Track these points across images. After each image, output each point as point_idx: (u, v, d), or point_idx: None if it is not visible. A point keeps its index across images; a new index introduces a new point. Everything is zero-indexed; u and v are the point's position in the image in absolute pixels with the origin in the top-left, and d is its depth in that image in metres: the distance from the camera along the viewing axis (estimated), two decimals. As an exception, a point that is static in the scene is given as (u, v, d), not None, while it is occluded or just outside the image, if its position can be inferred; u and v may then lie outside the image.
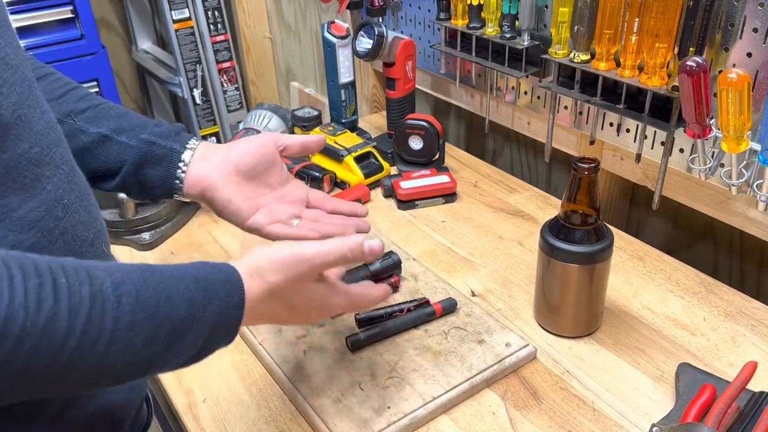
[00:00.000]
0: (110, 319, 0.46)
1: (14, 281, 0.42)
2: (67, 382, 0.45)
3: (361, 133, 1.29)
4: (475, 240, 1.01)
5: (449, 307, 0.83)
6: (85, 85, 1.99)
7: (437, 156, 1.18)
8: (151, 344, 0.48)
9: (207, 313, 0.52)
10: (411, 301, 0.83)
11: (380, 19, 1.28)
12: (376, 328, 0.79)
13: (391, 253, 0.89)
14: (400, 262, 0.88)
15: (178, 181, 0.73)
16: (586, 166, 0.72)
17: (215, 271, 0.55)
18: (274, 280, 0.57)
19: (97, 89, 2.02)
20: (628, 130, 0.98)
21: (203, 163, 0.74)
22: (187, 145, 0.74)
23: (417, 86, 1.30)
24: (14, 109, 0.52)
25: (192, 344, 0.51)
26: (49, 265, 0.44)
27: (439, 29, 1.19)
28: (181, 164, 0.73)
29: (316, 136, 0.78)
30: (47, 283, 0.43)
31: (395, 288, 0.87)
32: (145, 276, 0.50)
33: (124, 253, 1.02)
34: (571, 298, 0.78)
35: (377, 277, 0.87)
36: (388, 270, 0.87)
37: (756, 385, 0.71)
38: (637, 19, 0.84)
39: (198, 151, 0.74)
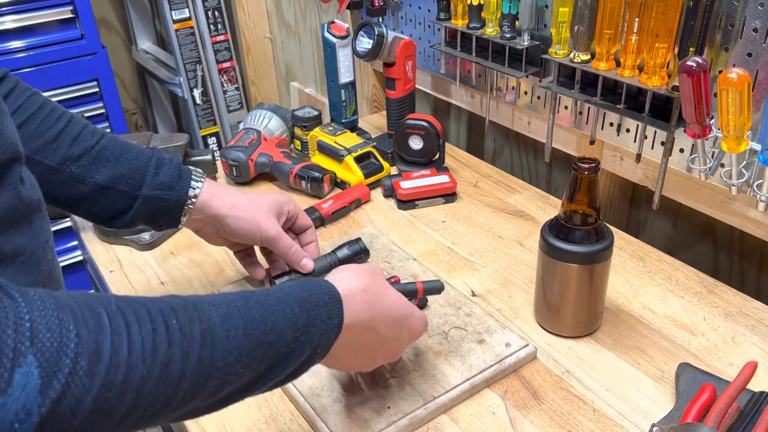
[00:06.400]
0: (220, 356, 0.46)
1: (131, 331, 0.42)
2: (177, 416, 0.47)
3: (361, 133, 1.29)
4: (475, 240, 1.01)
5: (433, 289, 0.79)
6: (84, 85, 2.01)
7: (437, 156, 1.18)
8: (256, 371, 0.50)
9: (309, 336, 0.53)
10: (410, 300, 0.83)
11: (380, 19, 1.28)
12: None
13: (358, 240, 0.92)
14: (366, 248, 0.92)
15: (185, 218, 0.79)
16: (586, 166, 0.72)
17: (317, 291, 0.56)
18: (363, 283, 0.60)
19: (97, 89, 2.02)
20: (628, 130, 0.98)
21: (217, 199, 0.79)
22: (190, 193, 0.78)
23: (417, 86, 1.30)
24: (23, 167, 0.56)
25: (292, 364, 0.53)
26: (159, 308, 0.45)
27: (439, 29, 1.19)
28: (187, 207, 0.78)
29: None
30: (160, 328, 0.44)
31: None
32: (250, 304, 0.51)
33: (124, 253, 1.02)
34: (571, 298, 0.78)
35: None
36: (355, 257, 0.90)
37: (756, 385, 0.71)
38: (637, 19, 0.84)
39: (205, 190, 0.79)
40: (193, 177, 0.79)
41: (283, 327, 0.51)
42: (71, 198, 0.72)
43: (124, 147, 0.76)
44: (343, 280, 0.60)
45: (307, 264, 0.84)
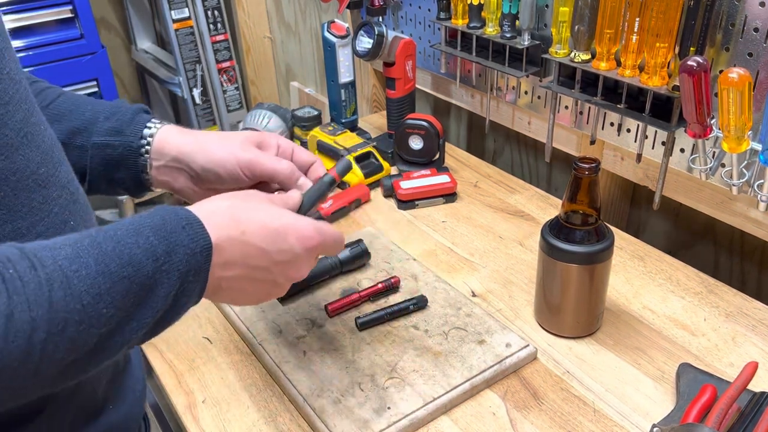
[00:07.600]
0: (74, 298, 0.43)
1: None
2: (46, 378, 0.43)
3: (361, 133, 1.29)
4: (475, 240, 1.01)
5: (344, 169, 0.70)
6: (84, 84, 2.01)
7: (437, 156, 1.18)
8: (123, 310, 0.46)
9: (173, 263, 0.49)
10: (411, 300, 0.83)
11: (380, 19, 1.28)
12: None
13: (359, 241, 0.91)
14: (367, 250, 0.91)
15: (147, 167, 0.68)
16: (586, 166, 0.72)
17: (172, 216, 0.51)
18: (228, 202, 0.56)
19: (96, 89, 2.02)
20: (628, 130, 0.98)
21: (180, 137, 0.68)
22: (144, 132, 0.67)
23: (417, 86, 1.30)
24: (20, 128, 0.50)
25: (164, 298, 0.49)
26: None
27: (439, 29, 1.19)
28: (143, 152, 0.67)
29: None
30: None
31: (396, 288, 0.87)
32: (98, 240, 0.46)
33: (123, 253, 1.02)
34: (572, 298, 0.78)
35: (346, 269, 0.90)
36: (357, 259, 0.90)
37: (756, 385, 0.70)
38: (637, 19, 0.84)
39: (163, 130, 0.69)
40: (150, 122, 0.68)
41: (140, 258, 0.47)
42: None
43: (81, 101, 0.69)
44: (205, 203, 0.56)
45: (305, 184, 0.68)
